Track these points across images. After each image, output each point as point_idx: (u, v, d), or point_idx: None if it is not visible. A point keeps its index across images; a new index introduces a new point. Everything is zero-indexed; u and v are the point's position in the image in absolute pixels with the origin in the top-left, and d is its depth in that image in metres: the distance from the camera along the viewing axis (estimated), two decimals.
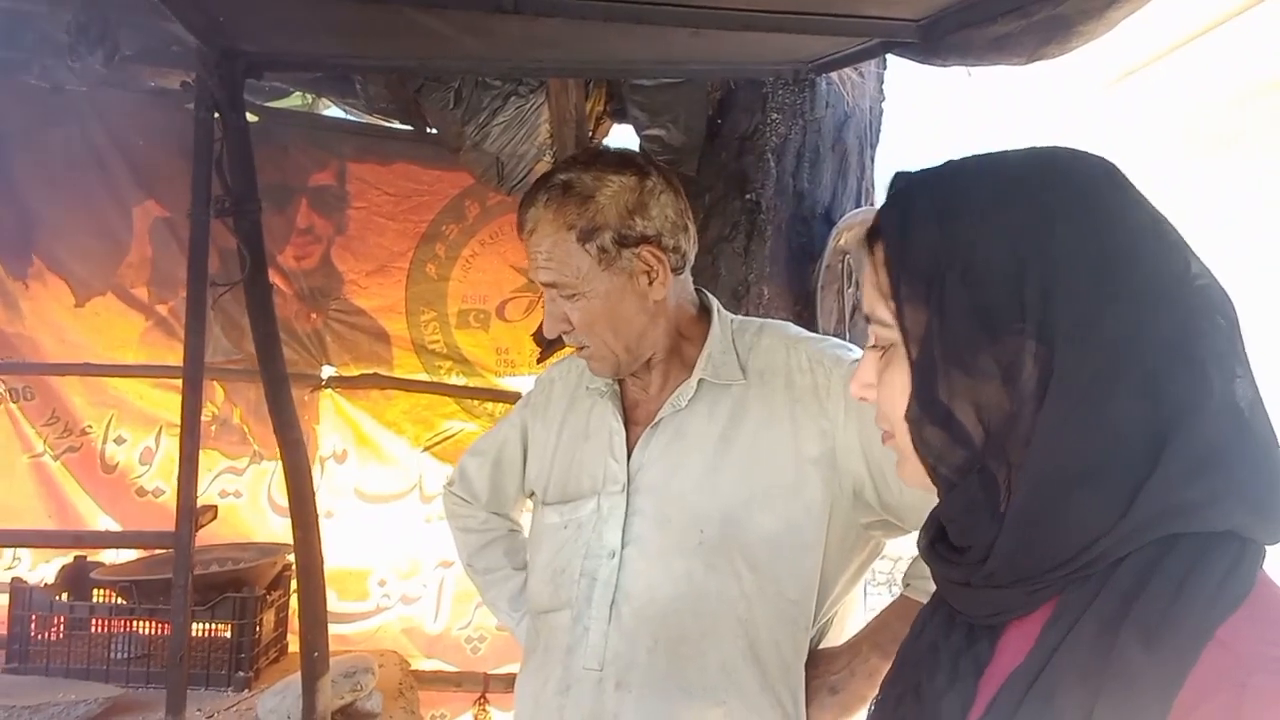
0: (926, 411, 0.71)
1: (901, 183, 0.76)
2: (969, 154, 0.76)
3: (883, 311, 0.75)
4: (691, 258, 1.42)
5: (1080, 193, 0.69)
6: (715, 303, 1.46)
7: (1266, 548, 0.65)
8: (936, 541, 0.78)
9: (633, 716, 1.29)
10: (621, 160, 1.38)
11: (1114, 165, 0.72)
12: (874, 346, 0.78)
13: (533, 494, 1.54)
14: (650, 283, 1.34)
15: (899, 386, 0.74)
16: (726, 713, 1.28)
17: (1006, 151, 0.74)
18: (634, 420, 1.41)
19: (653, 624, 1.30)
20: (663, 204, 1.35)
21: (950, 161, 0.76)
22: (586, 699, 1.32)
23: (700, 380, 1.37)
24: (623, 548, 1.33)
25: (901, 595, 1.38)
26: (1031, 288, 0.66)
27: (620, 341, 1.35)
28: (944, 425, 0.70)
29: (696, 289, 1.47)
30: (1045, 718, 0.62)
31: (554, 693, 1.35)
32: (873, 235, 0.77)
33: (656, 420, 1.37)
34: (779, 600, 1.30)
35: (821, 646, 1.40)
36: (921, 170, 0.76)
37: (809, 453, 1.31)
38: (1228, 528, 0.64)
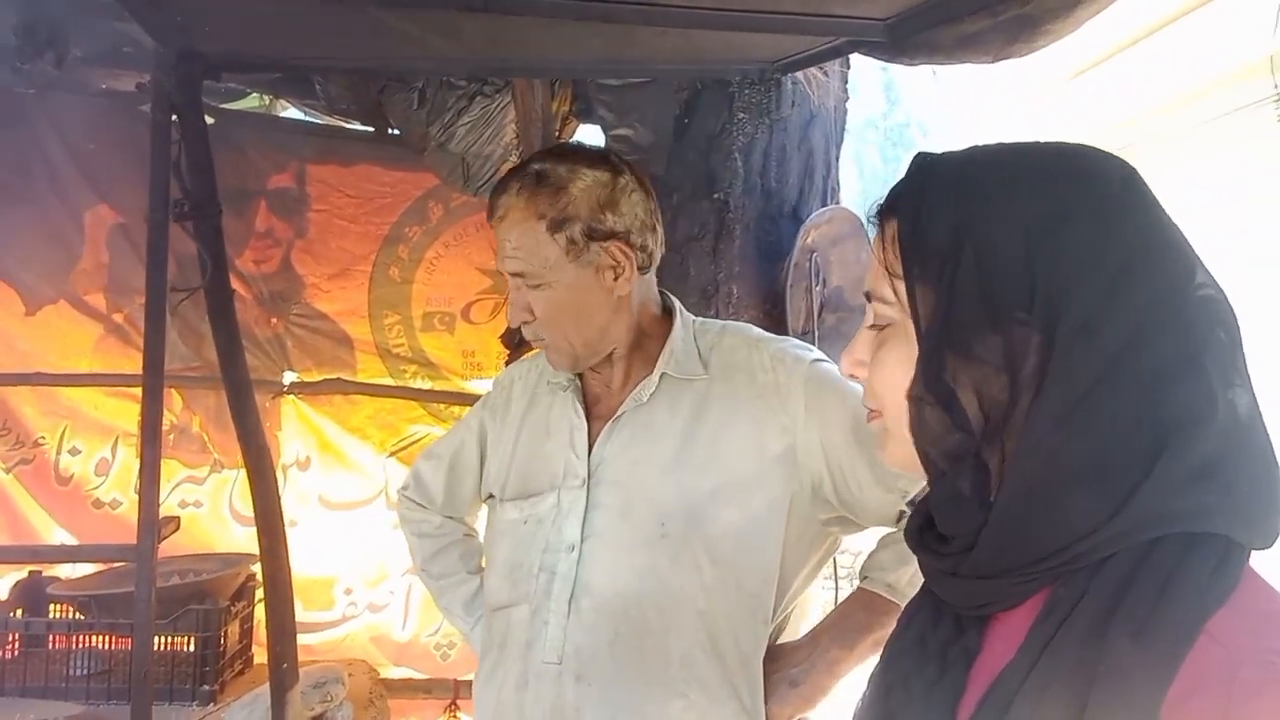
0: (930, 392, 0.70)
1: (922, 161, 0.76)
2: (994, 141, 0.76)
3: (886, 289, 0.74)
4: (658, 258, 1.44)
5: (1095, 193, 0.69)
6: (678, 303, 1.49)
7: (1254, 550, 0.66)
8: (924, 531, 0.77)
9: (594, 710, 1.29)
10: (596, 156, 1.40)
11: (1132, 169, 0.71)
12: (871, 325, 0.78)
13: (491, 496, 1.52)
14: (615, 278, 1.36)
15: (895, 364, 0.73)
16: (687, 705, 1.29)
17: (1030, 142, 0.74)
18: (595, 415, 1.42)
19: (614, 617, 1.30)
20: (633, 202, 1.37)
21: (975, 146, 0.75)
22: (547, 693, 1.31)
23: (663, 375, 1.38)
24: (582, 541, 1.33)
25: (859, 588, 1.40)
26: (1041, 279, 0.66)
27: (580, 335, 1.37)
28: (945, 407, 0.70)
29: (660, 290, 1.49)
30: (1037, 714, 0.62)
31: (513, 689, 1.34)
32: (886, 212, 0.76)
33: (618, 414, 1.38)
34: (739, 594, 1.31)
35: (780, 641, 1.41)
36: (944, 152, 0.76)
37: (771, 449, 1.33)
38: (1217, 531, 0.64)
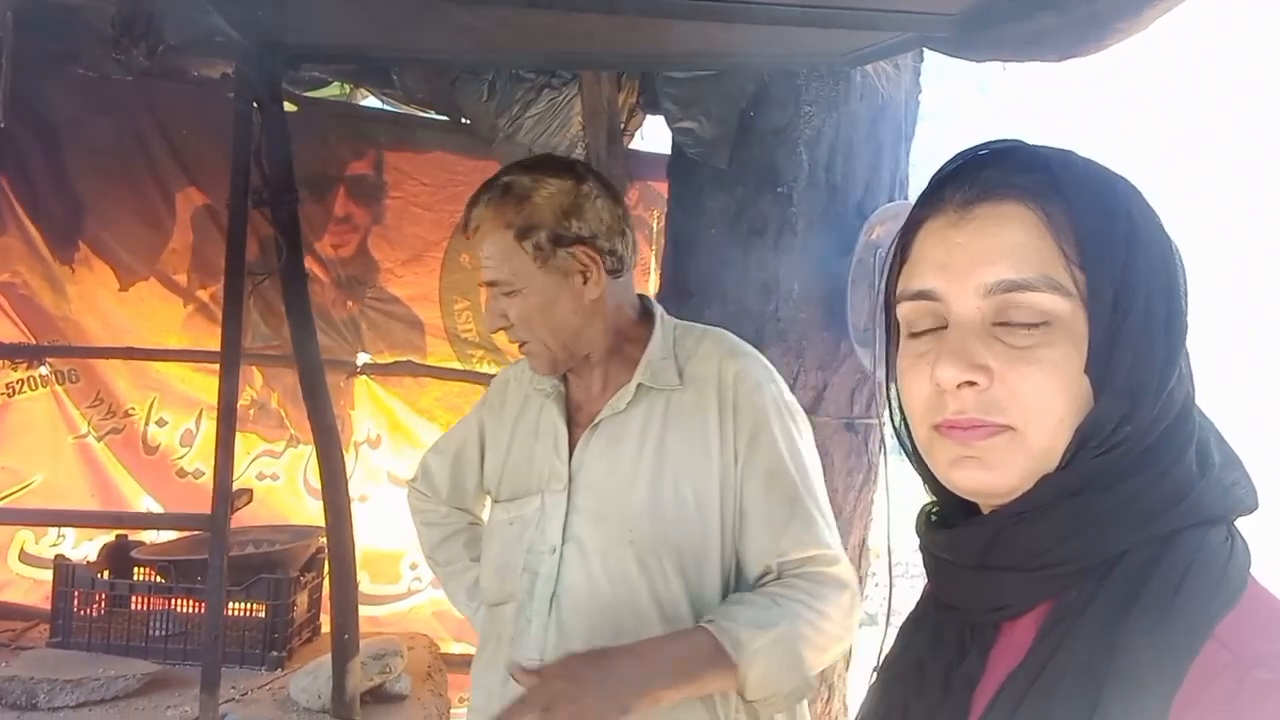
0: (1127, 383, 0.66)
1: (1043, 151, 0.71)
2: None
3: (1063, 277, 0.66)
4: (630, 262, 1.48)
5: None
6: (659, 308, 1.53)
7: (1251, 547, 0.67)
8: (946, 518, 0.75)
9: None
10: (561, 165, 1.46)
11: None
12: (1016, 323, 0.67)
13: (490, 490, 1.60)
14: (585, 282, 1.41)
15: (1056, 365, 0.66)
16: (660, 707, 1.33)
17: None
18: (577, 421, 1.48)
19: (591, 618, 1.37)
20: (598, 208, 1.42)
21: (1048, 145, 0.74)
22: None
23: (639, 385, 1.43)
24: (563, 544, 1.40)
25: (710, 633, 1.29)
26: (1181, 268, 0.69)
27: (556, 339, 1.42)
28: (1132, 397, 0.66)
29: (640, 295, 1.54)
30: (1047, 714, 0.63)
31: (500, 682, 1.42)
32: (1040, 193, 0.68)
33: (596, 422, 1.43)
34: (697, 604, 1.37)
35: None
36: (1055, 146, 0.73)
37: (724, 463, 1.39)
38: (1217, 513, 0.66)
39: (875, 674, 0.84)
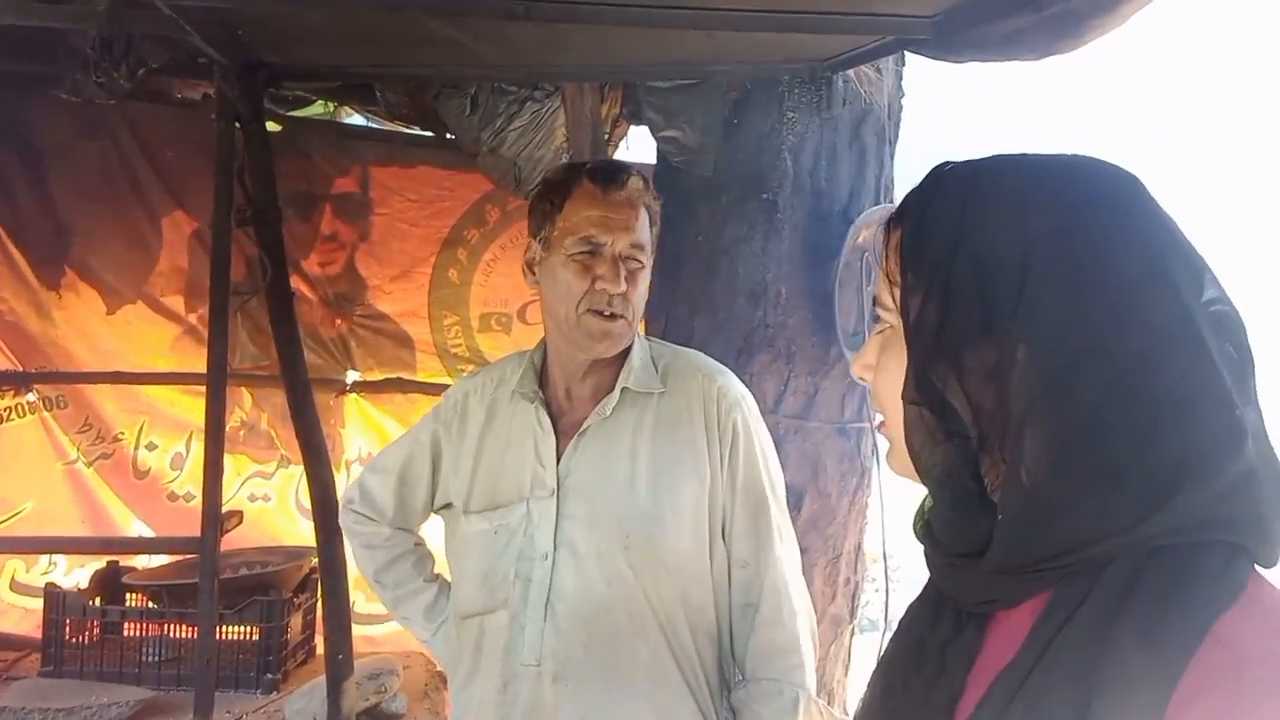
0: (920, 397, 0.71)
1: (936, 171, 0.76)
2: (1011, 150, 0.75)
3: (886, 295, 0.76)
4: None
5: (1102, 209, 0.69)
6: None
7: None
8: (932, 524, 0.77)
9: (570, 707, 1.38)
10: None
11: (1138, 179, 0.71)
12: (879, 331, 0.79)
13: (447, 506, 1.58)
14: (649, 284, 1.50)
15: (894, 371, 0.74)
16: (654, 705, 1.39)
17: (1040, 155, 0.74)
18: (559, 429, 1.49)
19: (589, 622, 1.39)
20: None
21: (992, 156, 0.75)
22: (525, 692, 1.40)
23: (624, 390, 1.46)
24: (555, 550, 1.41)
25: None
26: (1035, 295, 0.66)
27: (638, 320, 1.48)
28: (937, 414, 0.71)
29: None
30: (1038, 714, 0.62)
31: (494, 690, 1.43)
32: (895, 220, 0.77)
33: (584, 429, 1.45)
34: (685, 607, 1.42)
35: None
36: (962, 162, 0.76)
37: (715, 473, 1.45)
38: (1229, 539, 0.64)
39: (880, 654, 0.84)
